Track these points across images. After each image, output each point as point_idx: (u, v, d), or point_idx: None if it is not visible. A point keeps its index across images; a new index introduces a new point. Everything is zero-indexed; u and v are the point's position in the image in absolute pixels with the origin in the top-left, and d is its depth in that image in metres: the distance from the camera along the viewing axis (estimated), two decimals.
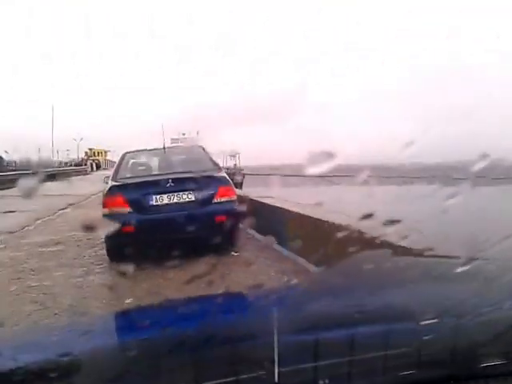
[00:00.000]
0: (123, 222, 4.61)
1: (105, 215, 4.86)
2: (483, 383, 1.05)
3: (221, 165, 6.39)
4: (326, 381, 1.00)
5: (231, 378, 1.00)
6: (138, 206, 4.91)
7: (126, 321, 1.45)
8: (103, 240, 5.11)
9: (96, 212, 5.42)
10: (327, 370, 1.05)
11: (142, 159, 6.21)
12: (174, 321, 1.27)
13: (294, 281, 3.26)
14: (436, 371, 1.09)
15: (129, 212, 4.80)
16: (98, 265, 4.84)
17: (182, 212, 4.89)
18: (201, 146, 6.41)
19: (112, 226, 4.84)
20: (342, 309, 1.23)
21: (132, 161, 6.08)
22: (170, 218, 4.82)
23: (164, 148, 6.12)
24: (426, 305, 1.21)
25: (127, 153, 6.13)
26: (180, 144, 9.77)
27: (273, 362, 0.99)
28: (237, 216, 5.03)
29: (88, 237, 5.89)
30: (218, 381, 0.99)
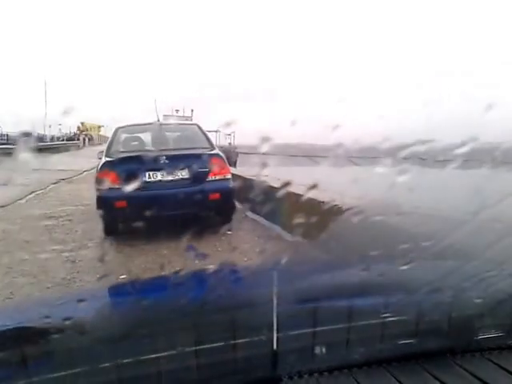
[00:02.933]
0: (116, 198, 4.67)
1: (98, 190, 4.91)
2: (479, 356, 1.10)
3: (215, 143, 6.42)
4: (323, 348, 1.07)
5: (230, 342, 1.06)
6: (131, 182, 4.96)
7: (125, 289, 1.51)
8: (95, 215, 5.16)
9: (88, 187, 5.47)
10: (325, 337, 1.11)
11: (136, 134, 6.20)
12: (173, 289, 1.31)
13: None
14: (432, 342, 1.15)
15: (122, 187, 4.85)
16: (91, 239, 4.90)
17: (175, 189, 4.94)
18: (196, 124, 6.43)
19: (105, 201, 4.93)
20: (341, 279, 1.30)
21: (125, 136, 6.08)
22: (164, 194, 4.88)
23: (158, 123, 6.13)
24: (424, 277, 1.30)
25: (120, 127, 6.13)
26: (175, 121, 9.76)
27: (271, 327, 1.04)
28: (230, 194, 5.09)
29: (80, 211, 5.96)
30: (217, 344, 1.05)
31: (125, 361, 1.00)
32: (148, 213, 4.71)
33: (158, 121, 6.17)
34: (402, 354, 1.10)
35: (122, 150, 5.60)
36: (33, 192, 8.47)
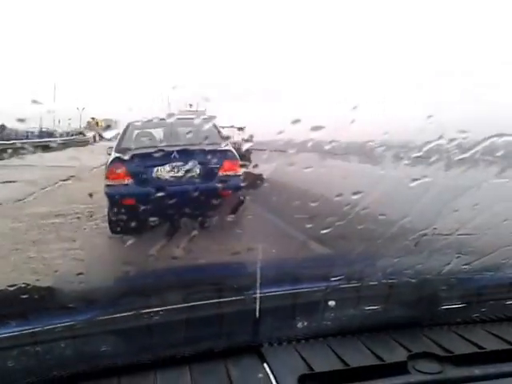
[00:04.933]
0: (125, 194, 4.68)
1: (107, 186, 4.92)
2: (446, 329, 1.20)
3: (232, 139, 6.40)
4: (301, 318, 1.18)
5: (215, 300, 1.17)
6: (141, 178, 4.96)
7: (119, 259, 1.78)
8: (104, 213, 5.18)
9: (98, 184, 5.48)
10: (303, 307, 1.22)
11: (147, 130, 6.21)
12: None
13: None
14: (402, 314, 1.25)
15: (131, 184, 4.85)
16: (99, 237, 4.92)
17: (185, 185, 4.93)
18: (209, 118, 6.42)
19: (114, 198, 4.95)
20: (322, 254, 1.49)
21: (136, 131, 6.08)
22: (173, 190, 4.87)
23: (170, 119, 6.13)
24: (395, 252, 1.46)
25: (132, 123, 6.13)
26: (189, 116, 9.74)
27: (255, 287, 1.14)
28: (240, 191, 5.08)
29: (89, 209, 5.97)
30: (203, 302, 1.16)
31: (120, 315, 1.12)
32: (157, 209, 4.72)
33: (170, 118, 6.15)
34: (373, 324, 1.19)
35: (132, 146, 5.61)
36: (43, 189, 8.53)
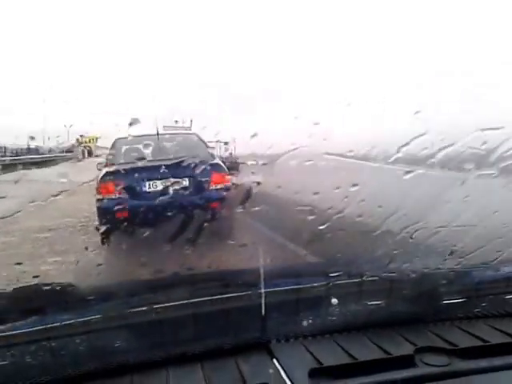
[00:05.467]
0: (116, 208, 4.81)
1: (98, 201, 5.04)
2: (449, 324, 1.23)
3: (217, 153, 6.56)
4: (308, 314, 1.21)
5: (222, 296, 1.23)
6: (131, 192, 5.09)
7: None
8: (96, 227, 5.29)
9: (88, 199, 5.58)
10: (308, 304, 1.27)
11: (136, 145, 6.35)
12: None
13: None
14: (406, 310, 1.29)
15: (122, 198, 4.98)
16: (92, 251, 5.01)
17: (175, 199, 5.07)
18: (195, 134, 6.58)
19: (105, 212, 5.06)
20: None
21: (125, 147, 6.23)
22: (164, 204, 5.00)
23: (158, 134, 6.27)
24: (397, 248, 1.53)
25: (119, 139, 6.28)
26: (174, 131, 9.90)
27: (259, 283, 1.19)
28: (231, 203, 5.22)
29: (81, 223, 6.07)
30: (211, 297, 1.22)
31: (130, 311, 1.19)
32: (148, 222, 4.84)
33: (157, 134, 6.30)
34: (377, 320, 1.23)
35: (121, 160, 5.75)
36: (33, 204, 8.58)
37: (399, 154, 2.45)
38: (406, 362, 1.04)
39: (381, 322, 1.23)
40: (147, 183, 5.18)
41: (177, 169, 5.25)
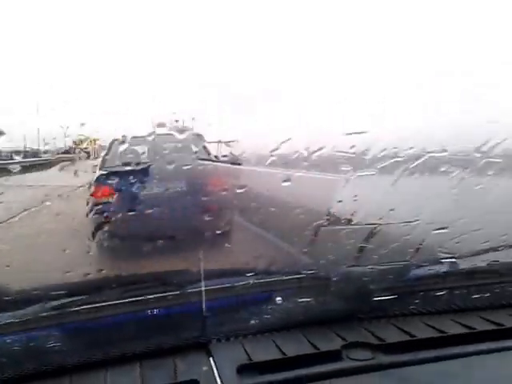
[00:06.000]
0: (111, 212, 4.72)
1: (92, 204, 4.96)
2: (385, 321, 1.28)
3: (217, 153, 6.49)
4: (247, 314, 1.27)
5: (163, 295, 1.27)
6: (127, 195, 5.01)
7: None
8: (91, 231, 5.20)
9: (83, 203, 5.50)
10: (248, 290, 1.33)
11: (132, 147, 6.27)
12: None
13: None
14: (340, 304, 1.34)
15: (117, 201, 4.90)
16: (87, 257, 4.93)
17: (171, 202, 4.99)
18: (197, 134, 6.51)
19: (99, 216, 4.98)
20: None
21: (121, 149, 6.16)
22: (160, 207, 4.93)
23: (155, 136, 6.20)
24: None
25: (116, 140, 6.21)
26: (174, 131, 9.83)
27: (200, 283, 1.24)
28: (229, 206, 5.14)
29: (76, 228, 5.98)
30: (151, 297, 1.26)
31: (68, 310, 1.21)
32: (144, 225, 4.77)
33: (155, 134, 6.23)
34: (314, 317, 1.28)
35: (117, 163, 5.67)
36: (27, 209, 8.51)
37: (274, 158, 2.67)
38: (333, 356, 1.09)
39: (317, 319, 1.28)
40: (143, 186, 5.09)
41: (173, 171, 5.17)
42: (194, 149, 6.06)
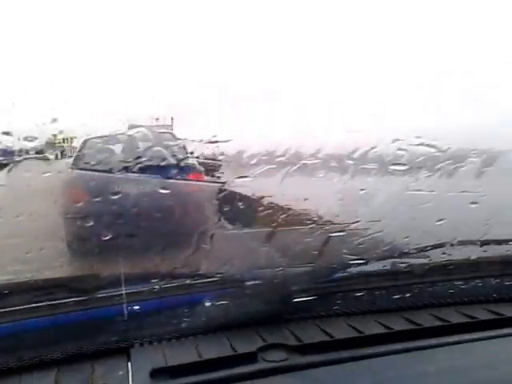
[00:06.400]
0: (83, 212, 4.57)
1: (64, 205, 4.83)
2: (309, 322, 1.32)
3: (199, 152, 6.40)
4: (169, 317, 1.28)
5: (84, 298, 1.30)
6: (100, 195, 4.87)
7: None
8: (62, 232, 5.08)
9: (53, 204, 5.36)
10: (172, 293, 1.38)
11: (106, 145, 6.15)
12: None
13: None
14: (264, 306, 1.36)
15: (89, 201, 4.76)
16: (56, 258, 4.81)
17: (147, 201, 4.87)
18: (170, 132, 6.41)
19: (72, 217, 4.84)
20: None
21: (95, 147, 6.04)
22: (135, 207, 4.80)
23: (130, 134, 6.07)
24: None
25: (89, 139, 6.10)
26: (147, 130, 9.72)
27: (121, 287, 1.26)
28: (207, 203, 5.04)
29: (46, 228, 5.83)
30: (70, 300, 1.28)
31: None
32: (119, 225, 4.62)
33: (130, 133, 6.11)
34: (237, 320, 1.30)
35: (90, 161, 5.53)
36: None
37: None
38: (248, 358, 1.13)
39: (239, 321, 1.31)
40: (116, 185, 4.95)
41: (149, 170, 5.05)
42: (171, 147, 5.96)
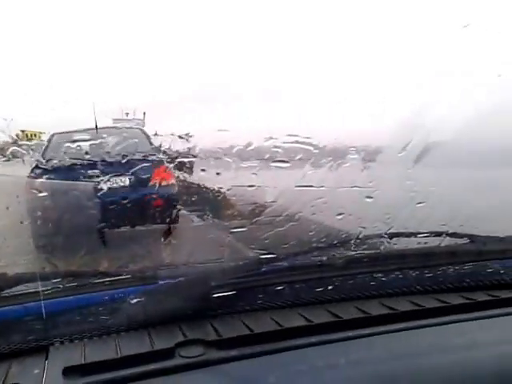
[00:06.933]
0: (48, 208, 4.55)
1: (28, 201, 4.77)
2: (233, 317, 1.30)
3: (171, 148, 6.38)
4: (90, 314, 1.27)
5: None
6: (64, 192, 4.84)
7: None
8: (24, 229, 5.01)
9: (15, 201, 5.28)
10: (91, 290, 1.35)
11: (73, 140, 6.08)
12: None
13: None
14: (185, 302, 1.35)
15: (54, 197, 4.72)
16: (22, 256, 4.75)
17: (113, 197, 4.85)
18: (140, 128, 6.38)
19: (36, 212, 4.78)
20: None
21: (61, 142, 5.97)
22: (101, 203, 4.79)
23: (97, 129, 6.01)
24: None
25: (56, 133, 6.02)
26: (117, 125, 9.62)
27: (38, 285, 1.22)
28: (174, 200, 5.05)
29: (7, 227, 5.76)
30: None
31: None
32: (83, 222, 4.61)
33: (97, 126, 6.04)
34: (162, 316, 1.28)
35: (56, 157, 5.47)
36: None
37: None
38: (166, 354, 1.10)
39: (161, 318, 1.28)
40: (83, 181, 4.92)
41: (116, 166, 5.04)
42: (138, 142, 5.94)
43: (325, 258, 1.49)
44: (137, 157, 5.27)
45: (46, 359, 1.12)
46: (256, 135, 1.95)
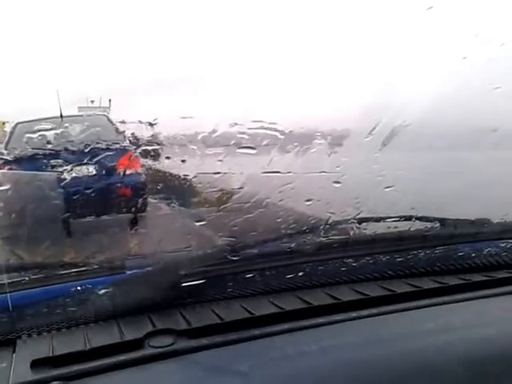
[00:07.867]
0: (11, 199, 4.41)
1: None
2: (201, 308, 1.29)
3: (138, 135, 6.27)
4: (57, 305, 1.25)
5: None
6: (29, 182, 4.71)
7: None
8: None
9: None
10: (60, 281, 1.34)
11: (36, 129, 5.93)
12: None
13: None
14: (156, 292, 1.33)
15: (17, 188, 4.59)
16: None
17: (78, 186, 4.74)
18: (105, 115, 6.26)
19: None
20: None
21: (25, 131, 5.83)
22: (66, 193, 4.67)
23: (62, 117, 5.87)
24: None
25: (19, 122, 5.88)
26: (82, 113, 9.43)
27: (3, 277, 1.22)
28: (142, 189, 4.97)
29: None
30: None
31: None
32: (48, 212, 4.49)
33: (61, 114, 5.90)
34: (132, 307, 1.26)
35: (19, 147, 5.34)
36: None
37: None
38: (135, 345, 1.08)
39: (132, 308, 1.26)
40: (47, 171, 4.80)
41: (79, 155, 4.91)
42: (104, 129, 5.83)
43: (294, 245, 1.46)
44: (101, 145, 5.15)
45: (14, 352, 1.10)
46: (221, 122, 1.90)
